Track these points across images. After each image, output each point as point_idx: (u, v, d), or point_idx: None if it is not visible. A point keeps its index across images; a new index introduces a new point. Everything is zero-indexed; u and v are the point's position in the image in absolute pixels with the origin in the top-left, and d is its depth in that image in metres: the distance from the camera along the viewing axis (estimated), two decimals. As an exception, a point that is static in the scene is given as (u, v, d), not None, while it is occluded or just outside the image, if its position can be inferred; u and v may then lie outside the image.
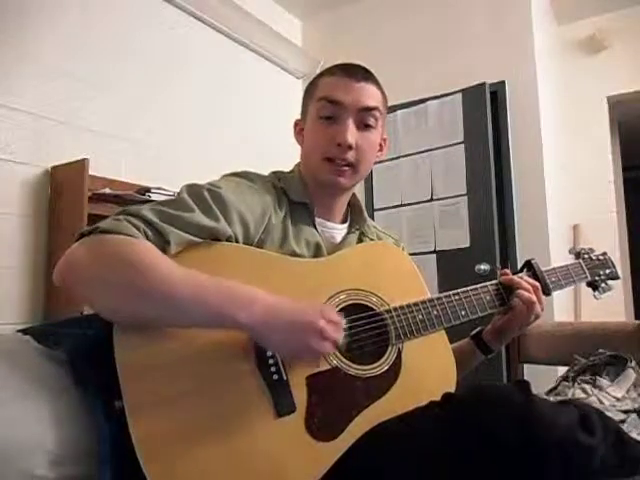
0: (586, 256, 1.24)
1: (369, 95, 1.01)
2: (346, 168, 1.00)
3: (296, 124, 1.11)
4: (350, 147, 0.98)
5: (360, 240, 1.10)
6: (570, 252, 1.26)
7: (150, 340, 0.74)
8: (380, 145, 1.09)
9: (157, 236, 0.77)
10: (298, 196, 1.02)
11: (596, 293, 1.23)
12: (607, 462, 0.77)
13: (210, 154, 2.72)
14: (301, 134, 1.09)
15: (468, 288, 1.04)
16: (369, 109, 1.00)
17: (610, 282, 1.24)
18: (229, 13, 2.85)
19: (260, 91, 3.19)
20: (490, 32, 2.90)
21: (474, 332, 1.12)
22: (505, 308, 1.05)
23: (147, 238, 0.76)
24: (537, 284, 1.06)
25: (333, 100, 0.99)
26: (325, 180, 1.01)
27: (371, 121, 1.01)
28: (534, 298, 1.03)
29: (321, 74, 1.06)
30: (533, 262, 1.12)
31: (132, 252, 0.73)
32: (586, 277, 1.21)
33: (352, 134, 0.98)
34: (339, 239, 1.07)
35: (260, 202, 0.94)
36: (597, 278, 1.23)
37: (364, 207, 1.14)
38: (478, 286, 1.05)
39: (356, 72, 1.02)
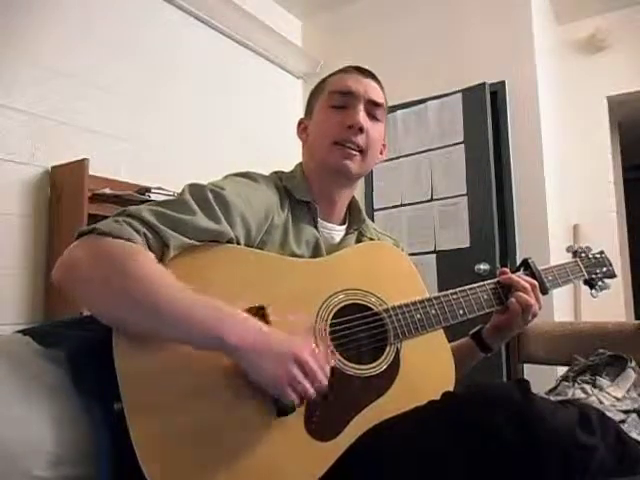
0: (583, 255, 1.25)
1: (377, 90, 1.06)
2: (355, 152, 1.01)
3: (300, 122, 1.12)
4: (361, 130, 1.00)
5: (359, 240, 1.10)
6: (567, 250, 1.27)
7: (149, 342, 0.73)
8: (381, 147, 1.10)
9: (157, 240, 0.77)
10: (302, 194, 1.02)
11: (593, 291, 1.24)
12: (607, 462, 0.77)
13: (210, 154, 2.72)
14: (304, 132, 1.10)
15: (466, 287, 1.04)
16: (377, 104, 1.04)
17: (607, 280, 1.25)
18: (229, 13, 2.85)
19: (260, 91, 3.19)
20: (490, 32, 2.90)
21: (474, 331, 1.12)
22: (503, 307, 1.05)
23: (147, 241, 0.76)
24: (535, 282, 1.06)
25: (345, 91, 1.03)
26: (333, 164, 1.01)
27: (378, 114, 1.05)
28: (532, 301, 1.03)
29: (330, 74, 1.10)
30: (530, 261, 1.12)
31: (128, 260, 0.72)
32: (583, 275, 1.21)
33: (364, 118, 1.01)
34: (338, 240, 1.07)
35: (263, 203, 0.94)
36: (594, 276, 1.23)
37: (363, 209, 1.14)
38: (476, 285, 1.05)
39: (365, 71, 1.08)
